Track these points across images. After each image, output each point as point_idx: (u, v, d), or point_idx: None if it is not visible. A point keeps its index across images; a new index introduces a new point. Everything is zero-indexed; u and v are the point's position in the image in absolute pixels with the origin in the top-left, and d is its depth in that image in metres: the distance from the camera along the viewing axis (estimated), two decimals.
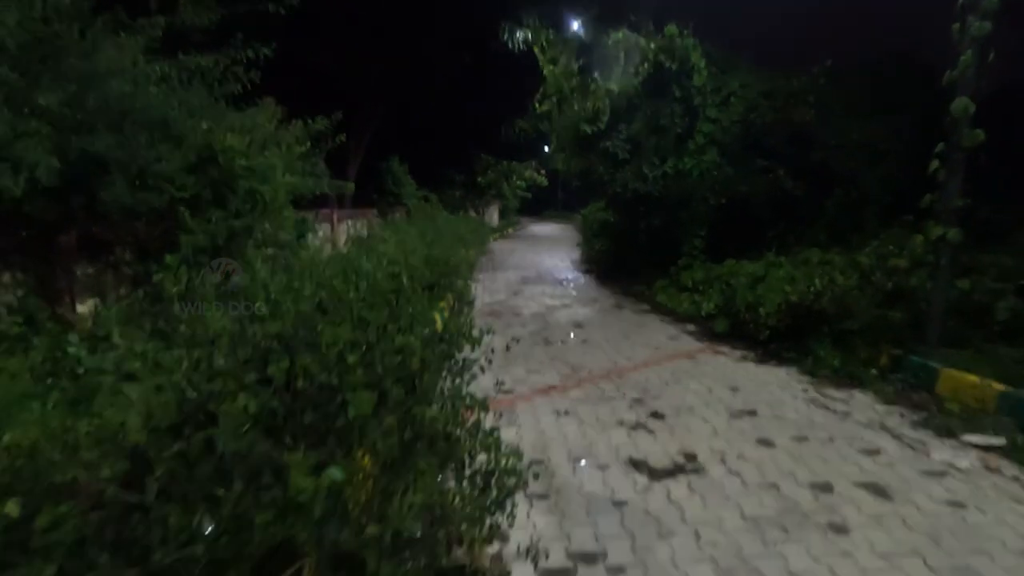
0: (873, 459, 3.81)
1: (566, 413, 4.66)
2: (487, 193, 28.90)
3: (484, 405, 3.91)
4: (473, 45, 16.24)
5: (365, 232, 14.10)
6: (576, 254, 18.01)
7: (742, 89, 10.35)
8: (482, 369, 4.84)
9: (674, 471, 3.66)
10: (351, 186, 9.08)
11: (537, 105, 12.87)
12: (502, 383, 5.47)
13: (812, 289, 5.93)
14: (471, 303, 9.83)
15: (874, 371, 5.43)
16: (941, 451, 3.91)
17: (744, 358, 6.28)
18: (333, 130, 8.93)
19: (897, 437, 4.17)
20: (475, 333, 2.91)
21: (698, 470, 3.66)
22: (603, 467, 3.72)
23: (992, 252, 6.38)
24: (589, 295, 10.75)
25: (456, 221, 18.22)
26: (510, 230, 30.25)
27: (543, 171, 30.94)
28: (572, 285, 12.02)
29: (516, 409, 4.78)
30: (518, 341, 5.58)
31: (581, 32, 12.24)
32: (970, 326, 5.58)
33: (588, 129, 10.41)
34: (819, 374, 5.57)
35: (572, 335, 7.43)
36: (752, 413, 4.63)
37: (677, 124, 10.34)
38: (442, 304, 8.61)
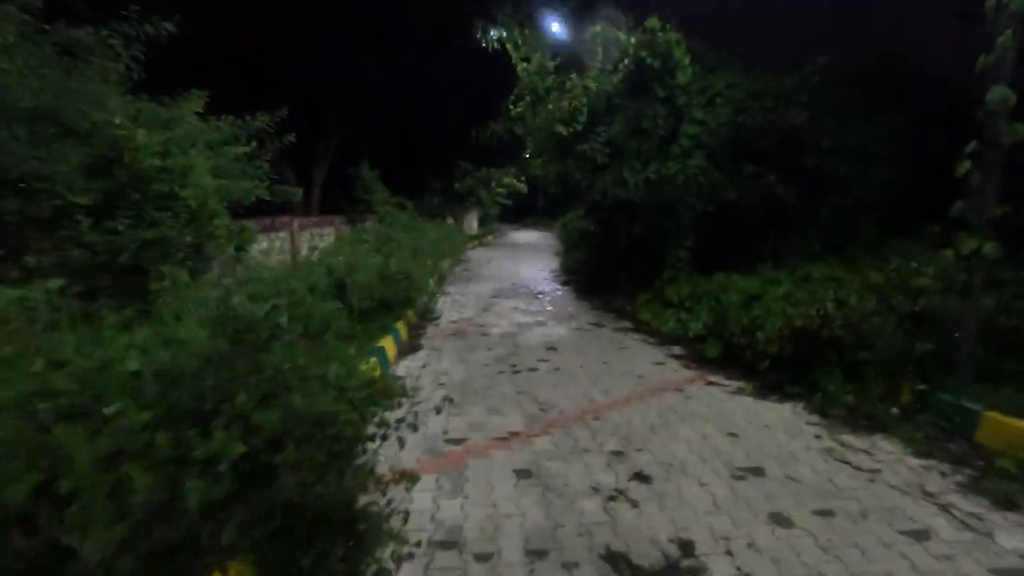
0: (924, 547, 2.88)
1: (528, 475, 3.67)
2: (466, 200, 27.92)
3: (410, 478, 2.94)
4: (444, 43, 15.28)
5: (323, 243, 13.02)
6: (555, 264, 17.08)
7: (729, 89, 9.50)
8: (436, 410, 3.83)
9: (666, 572, 2.69)
10: (298, 192, 7.99)
11: (511, 107, 11.98)
12: (448, 433, 4.45)
13: (820, 312, 5.02)
14: (436, 319, 8.83)
15: (895, 410, 4.52)
16: (1010, 535, 2.98)
17: (740, 391, 5.35)
18: (276, 127, 7.91)
19: (946, 509, 3.24)
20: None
21: (698, 571, 2.69)
22: (571, 566, 2.73)
23: None
24: (566, 311, 9.79)
25: (428, 229, 17.20)
26: (489, 237, 29.27)
27: (523, 178, 30.05)
28: (548, 299, 11.06)
29: (466, 468, 3.78)
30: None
31: (557, 27, 11.36)
32: (1004, 355, 4.71)
33: (564, 131, 9.49)
34: (830, 413, 4.65)
35: (544, 361, 6.45)
36: (759, 472, 3.69)
37: (660, 126, 9.46)
38: (399, 324, 7.60)
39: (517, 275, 14.96)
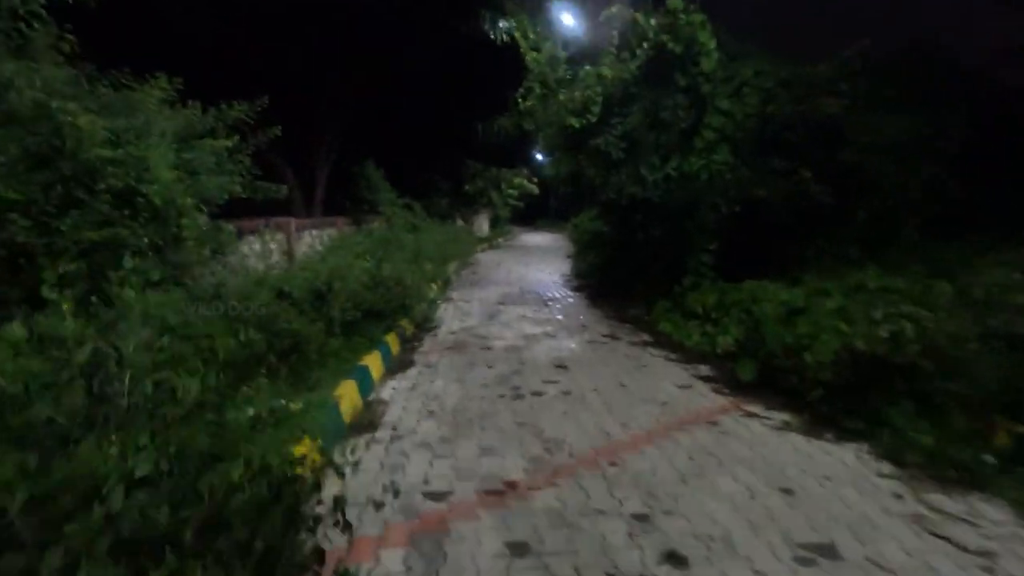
0: None
1: (524, 551, 2.78)
2: (476, 201, 27.10)
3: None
4: (450, 35, 14.45)
5: (322, 246, 12.23)
6: (566, 267, 16.16)
7: (757, 77, 8.53)
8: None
9: None
10: (282, 189, 7.21)
11: (520, 100, 11.10)
12: (429, 483, 3.57)
13: (888, 331, 4.07)
14: (435, 329, 7.96)
15: (989, 458, 3.57)
16: None
17: (786, 425, 4.41)
18: (257, 117, 7.11)
19: None
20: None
21: None
22: None
23: None
24: (578, 320, 8.88)
25: (434, 231, 16.39)
26: (499, 240, 28.43)
27: (534, 179, 29.17)
28: (559, 306, 10.15)
29: (446, 536, 2.90)
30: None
31: (568, 17, 10.48)
32: None
33: (576, 123, 8.59)
34: (906, 460, 3.71)
35: (552, 383, 5.56)
36: (830, 551, 2.76)
37: (681, 118, 8.53)
38: (389, 337, 6.74)
39: (526, 279, 14.08)
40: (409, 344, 7.18)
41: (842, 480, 3.50)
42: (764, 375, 5.26)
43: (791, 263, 7.97)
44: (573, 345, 7.16)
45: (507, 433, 4.28)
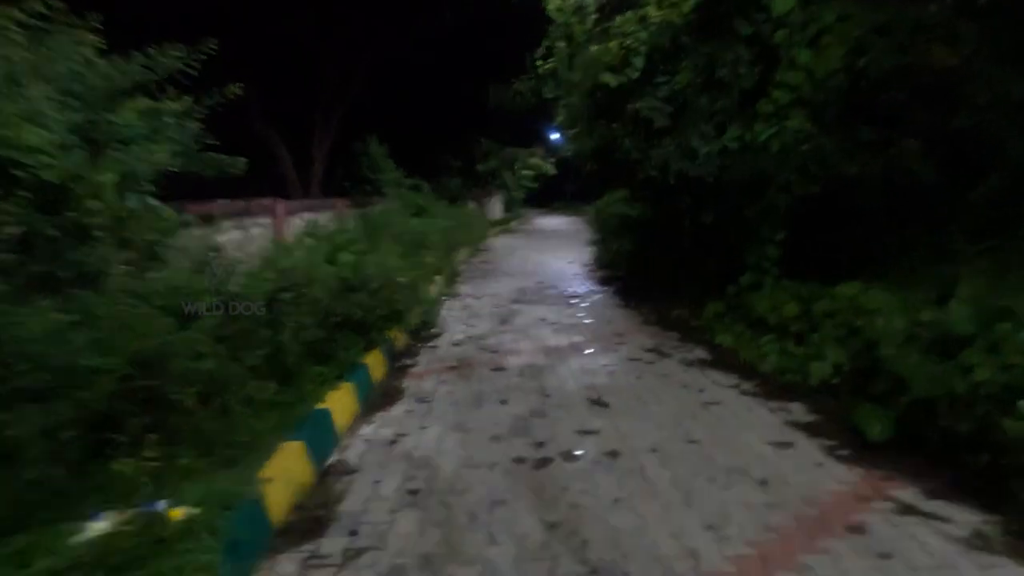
0: None
1: None
2: (489, 183, 25.25)
3: None
4: None
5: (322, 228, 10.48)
6: (587, 255, 14.39)
7: (842, 23, 6.62)
8: None
9: None
10: (241, 163, 5.37)
11: (539, 63, 9.32)
12: None
13: None
14: (436, 338, 6.31)
15: None
16: None
17: (982, 540, 2.68)
18: (198, 68, 5.41)
19: None
20: None
21: None
22: None
23: None
24: (611, 326, 7.16)
25: (442, 214, 14.67)
26: (513, 223, 26.64)
27: (550, 159, 27.23)
28: (584, 305, 8.43)
29: None
30: None
31: None
32: None
33: (612, 81, 6.77)
34: None
35: (589, 434, 3.88)
36: None
37: (743, 75, 6.67)
38: (370, 357, 5.07)
39: (544, 269, 12.34)
40: (400, 362, 5.54)
41: None
42: (904, 432, 3.54)
43: (876, 257, 6.22)
44: (610, 364, 5.46)
45: (529, 549, 2.61)
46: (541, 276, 11.30)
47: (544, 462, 3.46)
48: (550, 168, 26.68)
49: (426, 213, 14.16)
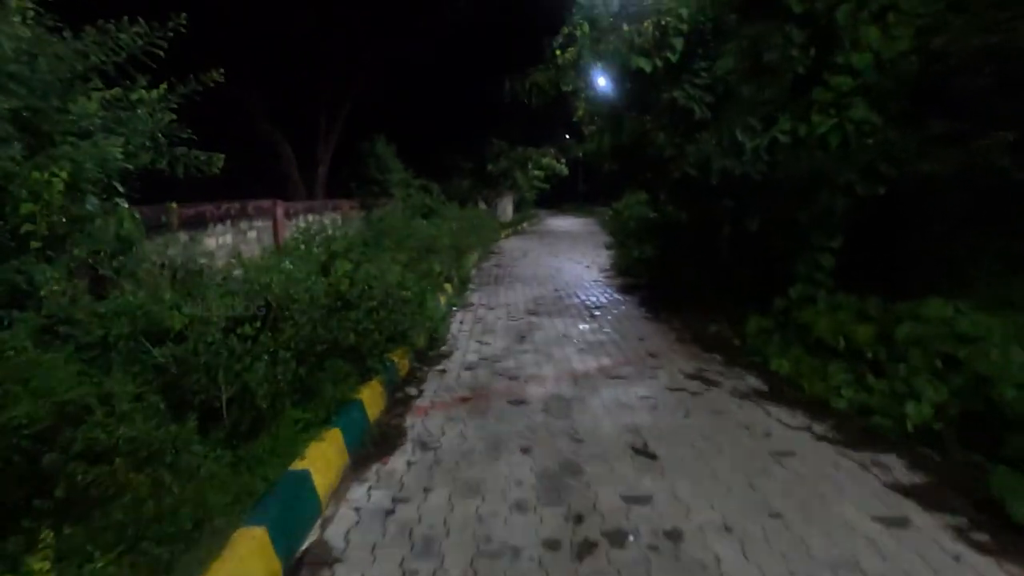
0: None
1: None
2: (500, 183, 24.40)
3: None
4: None
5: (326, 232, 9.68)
6: (604, 260, 13.52)
7: None
8: None
9: None
10: (219, 160, 4.51)
11: (558, 52, 8.43)
12: None
13: None
14: (444, 359, 5.47)
15: None
16: None
17: None
18: (166, 48, 4.60)
19: None
20: None
21: None
22: None
23: None
24: (642, 344, 6.27)
25: (452, 216, 13.84)
26: (524, 225, 25.78)
27: (562, 159, 26.33)
28: (609, 318, 7.55)
29: None
30: None
31: None
32: None
33: (646, 66, 5.89)
34: None
35: (640, 503, 3.01)
36: None
37: (796, 59, 5.78)
38: (366, 391, 4.20)
39: (560, 275, 11.46)
40: (401, 392, 4.69)
41: None
42: None
43: (950, 269, 5.34)
44: (649, 395, 4.58)
45: None
46: (557, 283, 10.42)
47: (587, 548, 2.60)
48: (563, 168, 25.78)
49: (435, 215, 13.34)
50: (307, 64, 13.28)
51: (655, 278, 9.59)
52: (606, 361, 5.56)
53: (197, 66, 4.49)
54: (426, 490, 3.12)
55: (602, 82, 7.24)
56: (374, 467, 3.40)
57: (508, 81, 8.18)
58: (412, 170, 15.66)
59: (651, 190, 8.06)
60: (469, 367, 5.36)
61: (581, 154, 26.79)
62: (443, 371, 5.24)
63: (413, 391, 4.72)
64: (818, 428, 3.93)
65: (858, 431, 3.86)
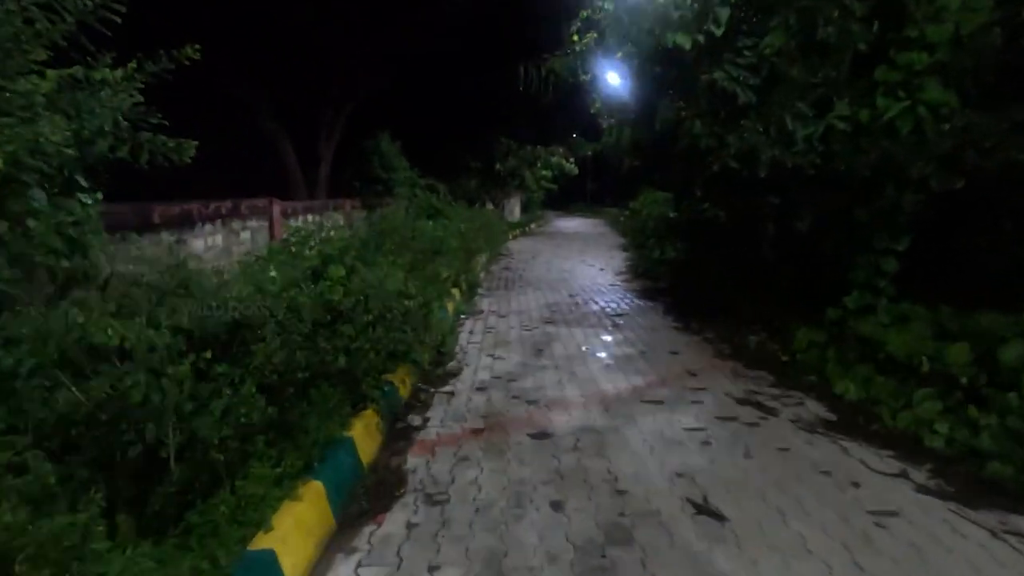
0: None
1: None
2: (508, 183, 23.64)
3: None
4: None
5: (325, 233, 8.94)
6: (619, 262, 12.74)
7: None
8: None
9: None
10: (190, 148, 3.73)
11: (575, 37, 7.71)
12: None
13: None
14: (450, 381, 4.71)
15: None
16: None
17: None
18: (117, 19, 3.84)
19: None
20: None
21: None
22: None
23: None
24: (676, 360, 5.50)
25: (460, 216, 13.10)
26: (533, 225, 25.01)
27: (571, 158, 25.54)
28: (634, 327, 6.77)
29: None
30: None
31: None
32: None
33: (686, 42, 5.10)
34: None
35: None
36: None
37: (857, 35, 4.98)
38: (358, 427, 3.42)
39: (574, 279, 10.68)
40: (403, 421, 3.94)
41: None
42: None
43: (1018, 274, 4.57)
44: (698, 427, 3.81)
45: None
46: (572, 287, 9.65)
47: None
48: (573, 168, 24.99)
49: (441, 215, 12.59)
50: (308, 58, 12.57)
51: (679, 282, 8.82)
52: (638, 381, 4.78)
53: (195, 62, 3.79)
54: (432, 569, 2.36)
55: (626, 68, 6.47)
56: (366, 530, 2.64)
57: (524, 69, 7.41)
58: (418, 169, 14.94)
59: (682, 186, 7.23)
60: (481, 387, 4.60)
61: (591, 152, 25.96)
62: (451, 393, 4.48)
63: (416, 419, 3.96)
64: (916, 475, 3.14)
65: (968, 480, 3.07)
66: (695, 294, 7.72)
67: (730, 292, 6.98)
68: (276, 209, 8.25)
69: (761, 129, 5.21)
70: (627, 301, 8.38)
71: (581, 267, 12.32)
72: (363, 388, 3.57)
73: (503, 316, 7.34)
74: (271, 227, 8.07)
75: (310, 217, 9.94)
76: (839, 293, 5.31)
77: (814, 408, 4.17)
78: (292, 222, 8.85)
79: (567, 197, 35.86)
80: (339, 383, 3.43)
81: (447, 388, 4.60)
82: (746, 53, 5.27)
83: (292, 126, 13.11)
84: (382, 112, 14.69)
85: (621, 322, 6.97)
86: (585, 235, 21.48)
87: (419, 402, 4.29)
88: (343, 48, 12.81)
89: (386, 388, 3.88)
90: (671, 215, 10.31)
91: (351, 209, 12.22)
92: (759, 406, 4.20)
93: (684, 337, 6.24)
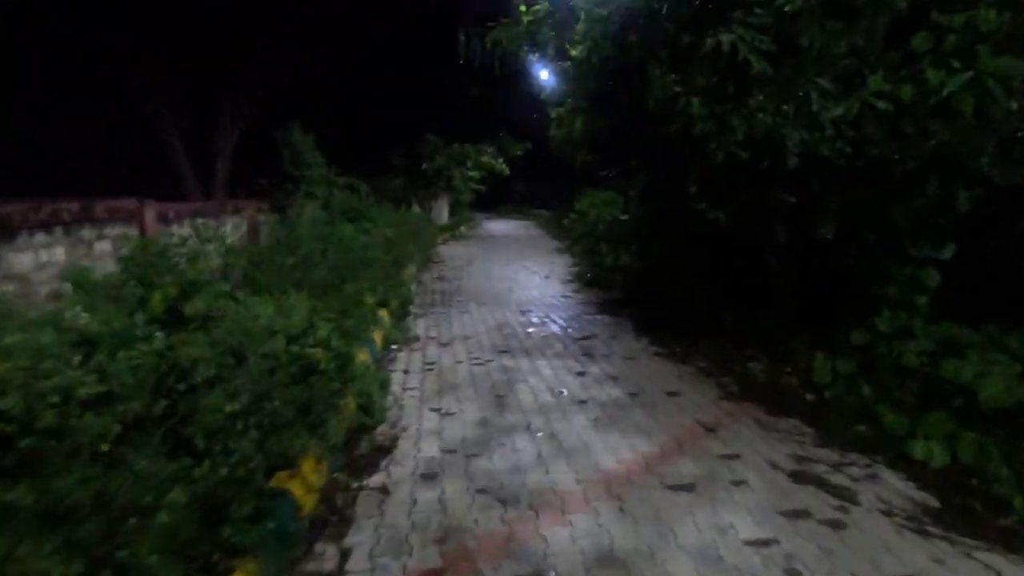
0: None
1: None
2: (435, 183, 21.90)
3: None
4: None
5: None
6: (561, 267, 11.49)
7: None
8: None
9: None
10: None
11: (523, 8, 6.33)
12: None
13: None
14: (381, 463, 3.11)
15: None
16: None
17: None
18: None
19: None
20: None
21: None
22: None
23: None
24: (679, 405, 4.19)
25: (385, 220, 11.35)
26: (463, 228, 23.40)
27: (500, 158, 24.16)
28: (610, 356, 5.44)
29: None
30: None
31: None
32: None
33: None
34: None
35: None
36: None
37: None
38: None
39: (520, 289, 9.26)
40: (307, 562, 2.33)
41: None
42: None
43: None
44: (762, 536, 2.48)
45: None
46: (521, 300, 8.23)
47: None
48: (504, 167, 23.62)
49: (364, 218, 10.81)
50: (210, 38, 10.39)
51: (637, 292, 7.64)
52: (645, 446, 3.42)
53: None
54: None
55: (595, 37, 5.11)
56: None
57: (465, 35, 5.89)
58: (336, 167, 13.03)
59: (665, 181, 5.92)
60: (428, 475, 3.05)
61: (520, 153, 24.79)
62: (384, 490, 2.90)
63: (329, 556, 2.37)
64: None
65: None
66: (661, 307, 6.54)
67: (710, 305, 5.83)
68: (150, 213, 6.26)
69: (773, 108, 4.01)
70: (588, 317, 7.05)
71: (524, 275, 10.93)
72: (226, 535, 1.95)
73: (445, 344, 5.79)
74: (146, 236, 6.07)
75: (199, 222, 7.90)
76: (863, 311, 4.24)
77: (896, 484, 2.96)
78: (177, 228, 6.84)
79: (494, 198, 34.49)
80: (176, 536, 1.80)
81: (377, 478, 3.02)
82: (757, 11, 4.06)
83: (189, 115, 10.82)
84: (298, 100, 12.63)
85: (592, 348, 5.62)
86: (519, 238, 20.18)
87: (334, 514, 2.69)
88: (264, 22, 10.71)
89: (275, 506, 2.27)
90: (622, 217, 9.14)
91: (255, 212, 10.17)
92: (824, 486, 2.94)
93: (673, 368, 4.97)
